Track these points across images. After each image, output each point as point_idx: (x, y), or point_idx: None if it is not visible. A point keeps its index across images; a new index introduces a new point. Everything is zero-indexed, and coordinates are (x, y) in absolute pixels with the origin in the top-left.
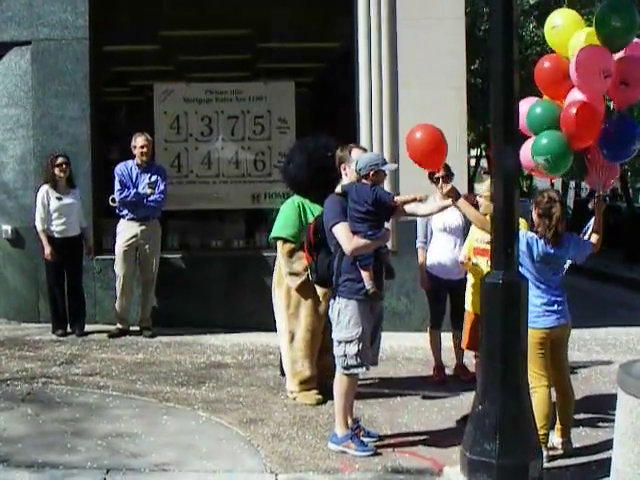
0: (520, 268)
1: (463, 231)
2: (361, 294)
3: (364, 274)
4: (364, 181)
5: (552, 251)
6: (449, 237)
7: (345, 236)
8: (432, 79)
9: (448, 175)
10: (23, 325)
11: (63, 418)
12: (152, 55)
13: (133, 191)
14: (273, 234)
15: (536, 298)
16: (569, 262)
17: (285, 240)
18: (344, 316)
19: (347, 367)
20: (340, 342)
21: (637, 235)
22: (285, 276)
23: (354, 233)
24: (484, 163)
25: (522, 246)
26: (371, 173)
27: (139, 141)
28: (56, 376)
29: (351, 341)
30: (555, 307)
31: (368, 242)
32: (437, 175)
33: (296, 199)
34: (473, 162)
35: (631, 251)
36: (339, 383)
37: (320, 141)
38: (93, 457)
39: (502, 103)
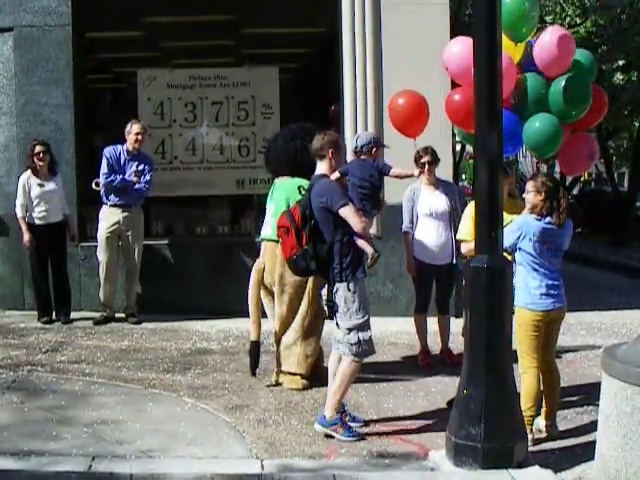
0: (518, 252)
1: (449, 216)
2: (361, 272)
3: (363, 242)
4: (363, 157)
5: (553, 231)
6: (435, 222)
7: (355, 216)
8: (417, 64)
9: (434, 161)
10: (8, 313)
11: (48, 406)
12: (135, 41)
13: (119, 177)
14: None
15: (534, 281)
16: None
17: None
18: (352, 302)
19: (362, 354)
20: (352, 329)
21: (622, 219)
22: None
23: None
24: (470, 148)
25: (519, 230)
26: (373, 150)
27: (135, 128)
28: (41, 364)
29: (364, 327)
30: (552, 291)
31: (371, 220)
32: (423, 160)
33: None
34: (459, 147)
35: (616, 235)
36: (350, 369)
37: None
38: (79, 444)
39: (485, 87)
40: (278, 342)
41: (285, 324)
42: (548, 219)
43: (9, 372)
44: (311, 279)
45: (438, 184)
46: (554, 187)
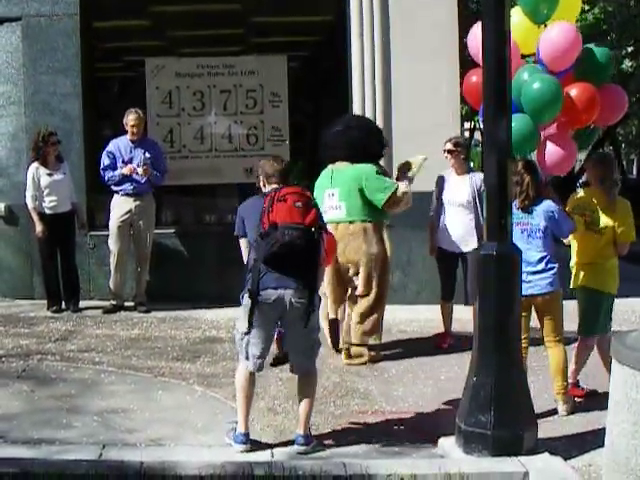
0: None
1: (473, 205)
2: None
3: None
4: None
5: (520, 214)
6: (458, 210)
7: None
8: (425, 52)
9: (454, 150)
10: (18, 302)
11: (58, 394)
12: (143, 30)
13: (117, 172)
14: (391, 190)
15: None
16: (544, 231)
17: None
18: None
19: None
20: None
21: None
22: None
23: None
24: (478, 136)
25: None
26: None
27: (130, 119)
28: (51, 352)
29: None
30: (524, 277)
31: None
32: (444, 147)
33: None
34: (467, 135)
35: None
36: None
37: None
38: (89, 433)
39: (494, 75)
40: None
41: (365, 298)
42: (514, 202)
43: (19, 361)
44: (389, 249)
45: (464, 172)
46: (520, 172)
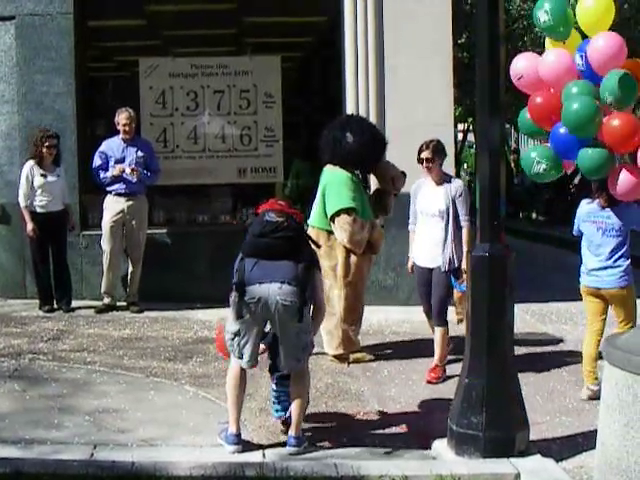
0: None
1: (446, 216)
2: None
3: None
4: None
5: (600, 211)
6: (430, 220)
7: None
8: (418, 52)
9: (434, 158)
10: (10, 301)
11: (50, 394)
12: (137, 30)
13: (108, 174)
14: (341, 206)
15: (583, 259)
16: (618, 229)
17: (354, 210)
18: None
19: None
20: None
21: None
22: (355, 245)
23: None
24: (471, 137)
25: (576, 215)
26: None
27: (121, 117)
28: (43, 352)
29: None
30: (596, 271)
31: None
32: (421, 156)
33: (346, 173)
34: (460, 136)
35: None
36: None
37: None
38: (80, 433)
39: (487, 76)
40: None
41: None
42: (597, 201)
43: (11, 360)
44: (340, 265)
45: (442, 180)
46: None
